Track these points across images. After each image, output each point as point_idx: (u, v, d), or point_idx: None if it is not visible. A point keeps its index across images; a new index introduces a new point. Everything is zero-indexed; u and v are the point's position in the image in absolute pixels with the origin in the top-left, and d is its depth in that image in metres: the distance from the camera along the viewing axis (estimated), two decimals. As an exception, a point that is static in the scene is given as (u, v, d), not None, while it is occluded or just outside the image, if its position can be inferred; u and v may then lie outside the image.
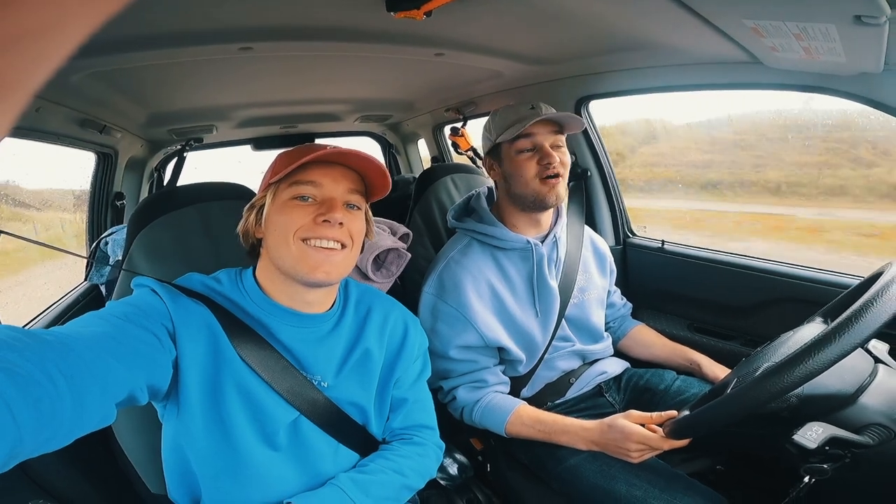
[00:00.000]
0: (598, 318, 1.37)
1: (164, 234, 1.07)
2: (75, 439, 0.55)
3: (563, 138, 1.24)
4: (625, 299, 1.57)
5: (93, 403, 0.57)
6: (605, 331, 1.45)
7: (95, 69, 1.19)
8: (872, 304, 0.72)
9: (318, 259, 0.81)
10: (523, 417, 1.15)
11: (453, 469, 1.12)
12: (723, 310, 1.54)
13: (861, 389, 0.80)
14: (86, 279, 1.63)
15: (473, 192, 1.39)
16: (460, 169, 1.74)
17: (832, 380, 0.78)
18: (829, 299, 1.04)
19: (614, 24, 1.07)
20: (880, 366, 0.85)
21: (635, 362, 1.46)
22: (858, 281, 1.21)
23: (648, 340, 1.48)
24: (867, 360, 0.87)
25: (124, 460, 0.96)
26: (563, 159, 1.21)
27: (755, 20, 0.80)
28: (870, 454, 0.75)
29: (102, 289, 1.57)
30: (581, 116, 1.70)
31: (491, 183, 1.39)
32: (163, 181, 2.44)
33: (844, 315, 0.73)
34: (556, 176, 1.19)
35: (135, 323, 0.71)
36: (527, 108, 1.22)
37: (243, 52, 1.18)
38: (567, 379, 1.33)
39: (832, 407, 0.79)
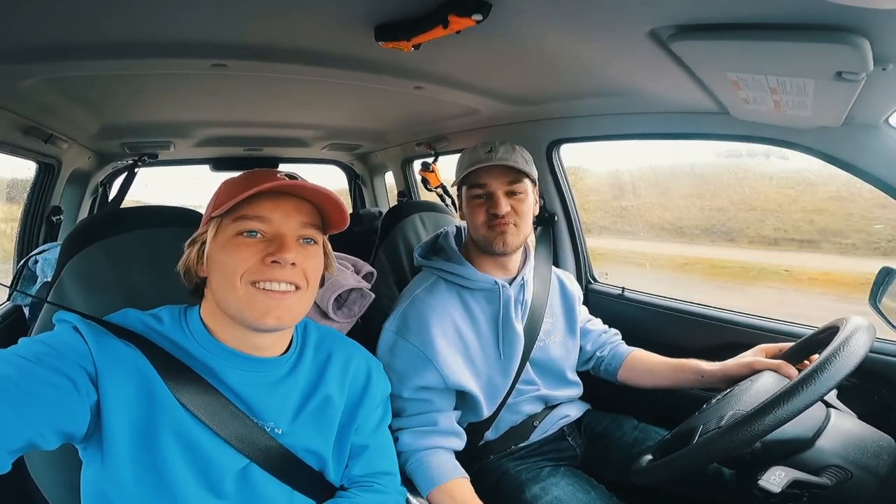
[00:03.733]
0: (563, 361, 1.35)
1: (101, 260, 0.97)
2: None
3: (522, 185, 1.21)
4: (607, 327, 1.49)
5: None
6: (598, 365, 1.42)
7: (50, 75, 1.11)
8: (836, 357, 0.78)
9: (268, 304, 0.75)
10: (455, 493, 1.06)
11: (416, 515, 1.05)
12: (677, 353, 1.57)
13: (818, 433, 0.85)
14: (9, 299, 1.47)
15: (442, 230, 1.37)
16: (429, 207, 1.72)
17: (793, 425, 0.82)
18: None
19: (597, 68, 1.10)
20: (832, 410, 0.90)
21: (602, 403, 1.44)
22: (802, 329, 1.32)
23: (649, 365, 1.34)
24: (820, 405, 0.92)
25: (40, 500, 0.86)
26: (517, 207, 1.19)
27: (738, 73, 0.85)
28: (826, 494, 0.79)
29: (26, 311, 1.42)
30: (552, 159, 1.74)
31: (459, 222, 1.37)
32: (107, 197, 2.28)
33: (811, 367, 0.78)
34: (503, 225, 1.17)
35: (45, 364, 0.66)
36: (485, 150, 1.20)
37: (216, 69, 1.13)
38: (531, 422, 1.31)
39: (792, 450, 0.83)
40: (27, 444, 0.61)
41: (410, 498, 1.05)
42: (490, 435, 1.26)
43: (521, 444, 1.29)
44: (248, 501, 0.79)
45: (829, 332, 0.95)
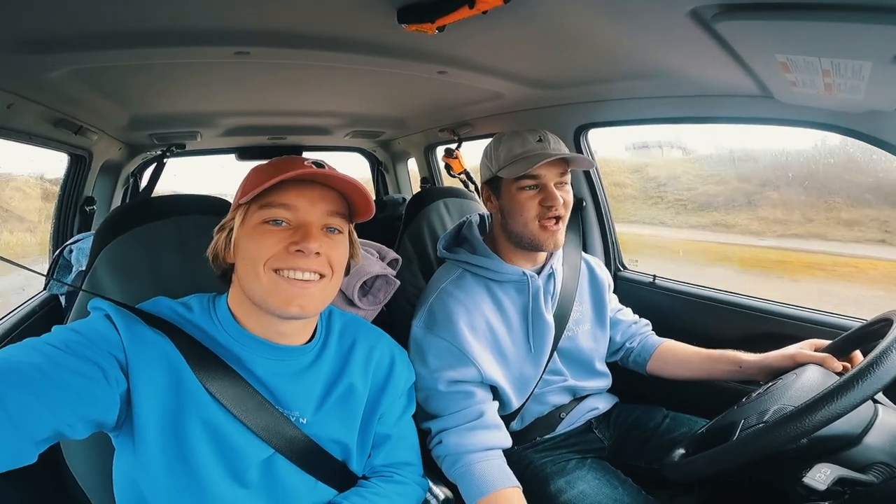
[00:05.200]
0: (592, 352, 1.31)
1: (133, 248, 0.98)
2: None
3: (568, 175, 1.17)
4: (637, 317, 1.45)
5: None
6: (627, 356, 1.38)
7: (77, 66, 1.12)
8: (893, 350, 0.75)
9: (291, 292, 0.75)
10: None
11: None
12: (711, 344, 1.52)
13: (866, 430, 0.82)
14: (45, 288, 1.52)
15: (465, 219, 1.33)
16: (453, 193, 1.69)
17: (840, 421, 0.79)
18: (814, 337, 1.11)
19: (631, 49, 1.05)
20: (879, 406, 0.87)
21: (631, 395, 1.41)
22: (845, 320, 1.27)
23: (682, 355, 1.30)
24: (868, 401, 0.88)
25: (75, 488, 0.87)
26: (566, 199, 1.15)
27: (788, 55, 0.79)
28: (870, 491, 0.76)
29: (62, 299, 1.47)
30: (580, 144, 1.69)
31: (484, 209, 1.33)
32: (138, 187, 2.33)
33: (866, 361, 0.75)
34: (558, 220, 1.13)
35: (74, 353, 0.66)
36: (534, 138, 1.16)
37: (239, 56, 1.12)
38: (557, 414, 1.28)
39: (838, 447, 0.80)
40: (54, 434, 0.61)
41: (433, 487, 1.04)
42: (515, 425, 1.24)
43: (547, 436, 1.27)
44: (271, 491, 0.80)
45: (882, 325, 0.90)
